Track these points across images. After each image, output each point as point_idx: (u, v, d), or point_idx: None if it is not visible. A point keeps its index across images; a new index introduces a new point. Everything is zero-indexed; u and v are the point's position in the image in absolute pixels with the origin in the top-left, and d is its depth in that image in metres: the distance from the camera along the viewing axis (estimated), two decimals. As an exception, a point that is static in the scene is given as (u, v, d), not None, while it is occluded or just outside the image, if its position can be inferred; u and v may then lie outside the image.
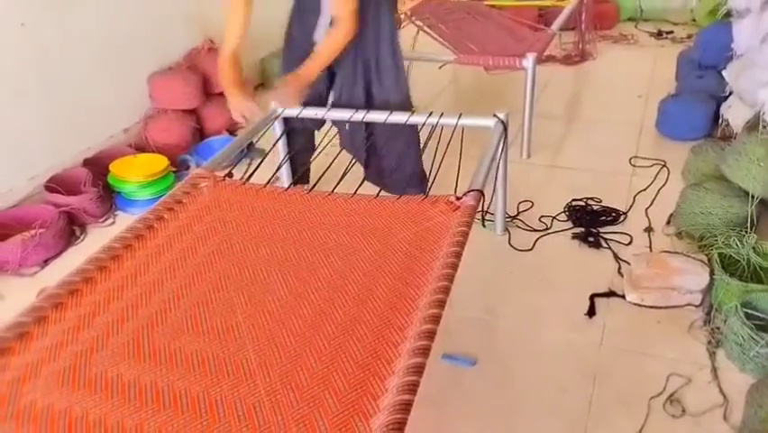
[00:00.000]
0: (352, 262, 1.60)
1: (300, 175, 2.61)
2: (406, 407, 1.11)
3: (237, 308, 1.45)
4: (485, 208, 2.59)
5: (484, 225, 2.61)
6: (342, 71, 2.35)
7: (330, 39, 2.19)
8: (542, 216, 2.69)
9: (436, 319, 1.31)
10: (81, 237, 2.74)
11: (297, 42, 2.37)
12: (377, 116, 2.33)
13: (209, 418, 1.16)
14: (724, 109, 3.10)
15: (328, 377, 1.24)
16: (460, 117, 2.24)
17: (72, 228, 2.75)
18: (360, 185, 1.95)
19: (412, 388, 1.15)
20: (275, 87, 2.34)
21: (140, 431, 1.14)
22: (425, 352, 1.23)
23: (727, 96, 3.10)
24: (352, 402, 1.18)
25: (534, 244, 2.53)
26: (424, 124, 2.30)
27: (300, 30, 2.34)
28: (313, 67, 2.22)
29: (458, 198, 1.78)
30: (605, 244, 2.50)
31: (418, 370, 1.19)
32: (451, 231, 1.63)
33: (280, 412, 1.17)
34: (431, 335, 1.27)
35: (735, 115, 2.94)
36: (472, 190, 1.80)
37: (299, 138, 2.58)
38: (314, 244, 1.69)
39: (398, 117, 2.32)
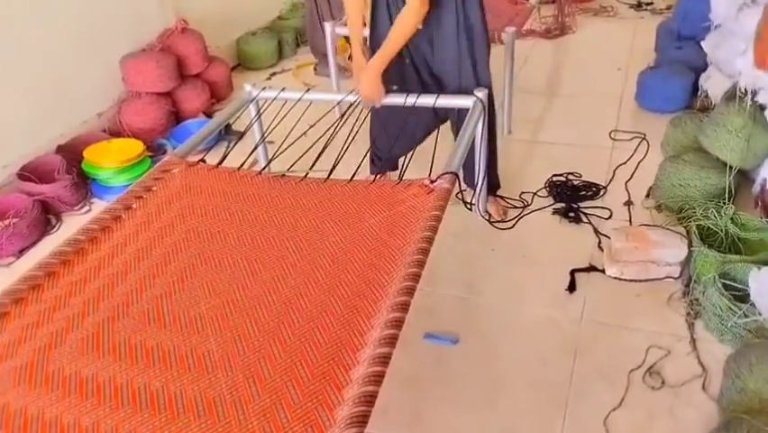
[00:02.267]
0: (322, 247, 1.57)
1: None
2: (370, 398, 1.09)
3: (201, 300, 1.42)
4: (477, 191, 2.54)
5: (469, 208, 2.58)
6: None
7: (399, 19, 2.08)
8: (522, 193, 2.69)
9: (405, 307, 1.28)
10: (57, 226, 2.69)
11: (383, 24, 2.27)
12: (357, 99, 2.29)
13: (168, 414, 1.14)
14: (703, 80, 3.10)
15: (292, 368, 1.22)
16: (438, 97, 2.21)
17: (47, 217, 2.70)
18: (332, 169, 1.92)
19: (377, 379, 1.13)
20: (358, 76, 2.25)
21: (96, 429, 1.11)
22: (392, 341, 1.20)
23: (706, 67, 3.09)
24: (316, 393, 1.16)
25: (515, 221, 2.53)
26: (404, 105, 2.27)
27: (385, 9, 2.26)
28: (384, 54, 2.14)
29: (432, 182, 1.74)
30: (585, 219, 2.50)
31: (384, 360, 1.16)
32: (424, 215, 1.60)
33: (241, 406, 1.14)
34: (399, 323, 1.24)
35: (713, 85, 2.94)
36: (447, 173, 1.77)
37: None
38: (283, 230, 1.66)
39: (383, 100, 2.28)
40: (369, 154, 2.61)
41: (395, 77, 2.31)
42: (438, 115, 2.42)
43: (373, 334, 1.26)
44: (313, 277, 1.47)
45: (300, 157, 2.09)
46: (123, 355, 1.27)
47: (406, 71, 2.31)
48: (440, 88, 2.32)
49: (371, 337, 1.26)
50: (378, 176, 2.50)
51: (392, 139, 2.38)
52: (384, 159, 2.57)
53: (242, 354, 1.26)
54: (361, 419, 1.06)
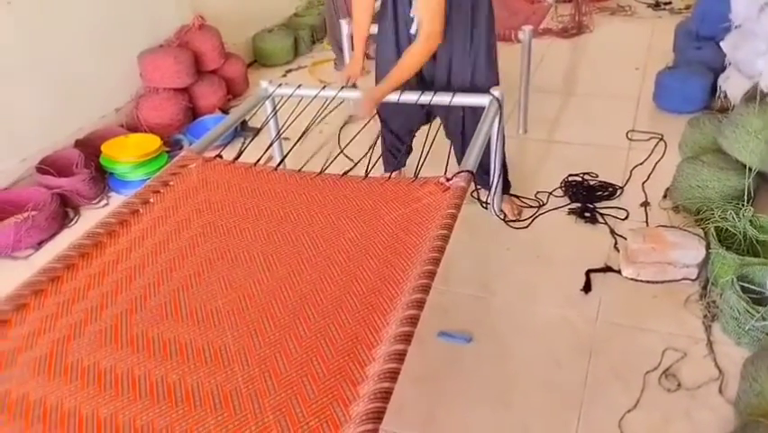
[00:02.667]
0: (338, 244, 1.57)
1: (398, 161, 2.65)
2: (385, 395, 1.09)
3: (218, 294, 1.43)
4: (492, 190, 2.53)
5: (485, 207, 2.58)
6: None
7: (410, 52, 2.11)
8: (538, 192, 2.68)
9: (420, 305, 1.28)
10: (74, 219, 2.72)
11: (389, 37, 2.30)
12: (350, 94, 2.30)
13: (185, 406, 1.15)
14: (722, 81, 3.07)
15: (307, 363, 1.22)
16: (454, 95, 2.21)
17: (65, 210, 2.73)
18: (353, 166, 1.93)
19: (392, 376, 1.13)
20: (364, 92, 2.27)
21: (114, 421, 1.12)
22: (408, 339, 1.20)
23: (725, 68, 3.06)
24: (331, 389, 1.16)
25: (530, 221, 2.52)
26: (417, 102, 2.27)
27: (393, 22, 2.27)
28: (392, 81, 2.15)
29: (448, 180, 1.74)
30: (601, 220, 2.49)
31: (399, 357, 1.16)
32: (439, 213, 1.60)
33: (257, 399, 1.15)
34: (414, 321, 1.24)
35: (732, 86, 2.91)
36: (463, 171, 1.77)
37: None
38: (299, 226, 1.66)
39: (397, 96, 2.28)
40: (382, 153, 2.62)
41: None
42: (428, 113, 2.46)
43: (388, 330, 1.27)
44: (328, 273, 1.48)
45: (315, 154, 2.10)
46: (141, 348, 1.29)
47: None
48: (438, 87, 2.33)
49: (387, 334, 1.26)
50: (392, 174, 2.53)
51: (395, 134, 2.45)
52: (399, 154, 2.61)
53: (258, 349, 1.27)
54: (377, 416, 1.06)
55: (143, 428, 1.11)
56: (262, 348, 1.27)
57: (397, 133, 2.57)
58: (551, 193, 2.67)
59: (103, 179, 2.90)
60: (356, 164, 1.97)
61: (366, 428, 1.04)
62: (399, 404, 1.77)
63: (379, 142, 2.56)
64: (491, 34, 2.24)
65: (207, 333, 1.32)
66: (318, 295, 1.41)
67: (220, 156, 2.05)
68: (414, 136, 2.62)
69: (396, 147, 2.61)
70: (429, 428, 1.72)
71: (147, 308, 1.40)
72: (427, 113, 2.46)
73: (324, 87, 2.43)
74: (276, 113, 2.41)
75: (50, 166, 2.76)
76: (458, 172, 1.76)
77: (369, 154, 1.96)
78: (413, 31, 2.18)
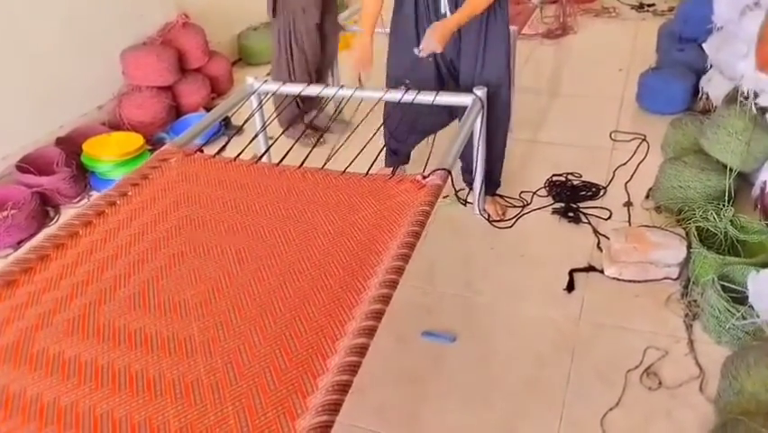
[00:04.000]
0: (311, 238, 1.58)
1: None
2: (343, 387, 1.11)
3: (186, 286, 1.44)
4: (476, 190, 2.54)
5: (464, 204, 2.60)
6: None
7: None
8: (522, 192, 2.69)
9: (386, 300, 1.30)
10: (55, 218, 2.69)
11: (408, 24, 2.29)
12: (354, 92, 2.29)
13: (146, 395, 1.16)
14: (704, 82, 3.10)
15: (271, 355, 1.23)
16: (437, 94, 2.21)
17: (46, 209, 2.69)
18: (328, 159, 1.92)
19: (352, 368, 1.14)
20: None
21: (75, 409, 1.13)
22: (371, 332, 1.22)
23: (707, 70, 3.09)
24: (292, 381, 1.17)
25: (514, 221, 2.53)
26: (400, 101, 2.27)
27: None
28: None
29: (424, 177, 1.75)
30: (584, 219, 2.50)
31: (361, 350, 1.18)
32: (413, 210, 1.61)
33: (218, 390, 1.16)
34: (378, 315, 1.26)
35: (714, 88, 2.94)
36: (440, 169, 1.77)
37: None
38: (275, 219, 1.67)
39: (373, 94, 2.28)
40: (384, 147, 2.60)
41: (410, 72, 2.32)
42: (452, 112, 2.45)
43: (353, 324, 1.28)
44: (299, 267, 1.48)
45: (293, 145, 2.07)
46: (107, 338, 1.30)
47: (423, 66, 2.31)
48: (457, 83, 2.33)
49: (351, 328, 1.27)
50: (395, 169, 2.54)
51: (406, 132, 2.43)
52: (398, 151, 2.61)
53: (223, 341, 1.28)
54: (333, 408, 1.07)
55: (103, 417, 1.12)
56: (227, 340, 1.28)
57: (408, 132, 2.55)
58: (535, 193, 2.69)
59: (84, 178, 2.87)
60: (329, 158, 1.96)
61: (321, 419, 1.05)
62: (382, 403, 1.77)
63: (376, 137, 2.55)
64: (506, 29, 2.26)
65: (173, 324, 1.33)
66: (287, 288, 1.41)
67: (201, 150, 2.04)
68: (425, 137, 2.61)
69: (402, 145, 2.61)
70: (412, 428, 1.72)
71: (116, 299, 1.40)
72: (450, 114, 2.46)
73: (308, 84, 2.42)
74: (261, 107, 2.40)
75: (30, 164, 2.72)
76: (434, 170, 1.77)
77: (357, 151, 1.95)
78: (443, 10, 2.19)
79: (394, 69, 2.38)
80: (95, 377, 1.20)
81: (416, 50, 2.21)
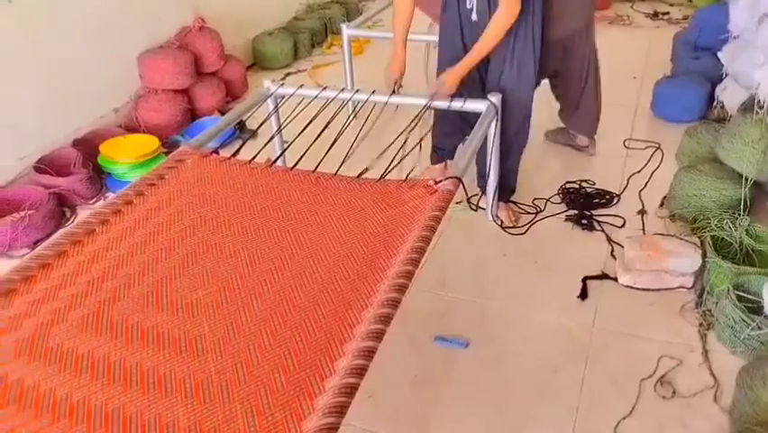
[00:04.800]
0: (322, 241, 1.59)
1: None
2: (350, 390, 1.11)
3: (199, 286, 1.46)
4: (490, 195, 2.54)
5: (474, 209, 2.60)
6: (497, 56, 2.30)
7: (493, 22, 2.11)
8: (535, 199, 2.68)
9: (395, 304, 1.31)
10: (71, 219, 2.71)
11: (452, 20, 2.31)
12: (369, 96, 2.31)
13: (156, 393, 1.17)
14: (719, 91, 3.08)
15: (280, 356, 1.24)
16: (452, 100, 2.22)
17: (62, 210, 2.72)
18: (341, 164, 1.93)
19: (359, 371, 1.15)
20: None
21: (87, 404, 1.15)
22: (379, 336, 1.23)
23: (723, 78, 3.08)
24: (300, 382, 1.18)
25: (528, 227, 2.53)
26: (422, 106, 2.28)
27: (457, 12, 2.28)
28: (474, 55, 2.16)
29: (436, 183, 1.76)
30: (598, 227, 2.49)
31: (368, 353, 1.19)
32: (424, 215, 1.62)
33: (227, 390, 1.18)
34: (387, 319, 1.27)
35: (730, 96, 2.93)
36: (452, 176, 1.78)
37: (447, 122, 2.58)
38: (287, 222, 1.69)
39: (380, 98, 2.30)
40: (431, 147, 2.69)
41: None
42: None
43: (362, 328, 1.29)
44: (310, 270, 1.49)
45: (307, 149, 2.08)
46: (119, 335, 1.32)
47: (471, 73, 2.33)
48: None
49: (360, 331, 1.28)
50: (445, 164, 2.64)
51: (447, 133, 2.53)
52: (443, 149, 2.66)
53: (233, 341, 1.29)
54: (339, 410, 1.08)
55: (114, 412, 1.13)
56: (237, 340, 1.29)
57: (449, 132, 2.59)
58: (548, 200, 2.68)
59: (100, 180, 2.89)
60: (343, 162, 1.97)
61: (327, 421, 1.06)
62: (395, 408, 1.77)
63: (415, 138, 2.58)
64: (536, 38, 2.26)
65: (185, 323, 1.34)
66: (298, 291, 1.43)
67: (216, 152, 2.06)
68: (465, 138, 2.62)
69: (446, 142, 2.64)
70: (424, 432, 1.72)
71: (129, 297, 1.42)
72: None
73: (324, 89, 2.44)
74: (277, 110, 2.42)
75: (47, 165, 2.76)
76: (446, 177, 1.77)
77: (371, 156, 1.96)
78: (474, 18, 2.21)
79: (443, 60, 2.38)
80: (107, 373, 1.22)
81: (426, 100, 2.27)
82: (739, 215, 2.22)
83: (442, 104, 2.27)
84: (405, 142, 2.07)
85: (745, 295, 1.91)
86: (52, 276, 1.49)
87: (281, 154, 2.22)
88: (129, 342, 1.30)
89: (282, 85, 2.43)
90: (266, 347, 1.27)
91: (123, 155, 2.87)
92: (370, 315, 1.31)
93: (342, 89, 2.41)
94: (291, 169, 1.95)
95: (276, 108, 2.41)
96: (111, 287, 1.45)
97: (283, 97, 2.43)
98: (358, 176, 1.88)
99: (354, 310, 1.35)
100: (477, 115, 2.23)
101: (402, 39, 2.35)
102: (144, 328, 1.33)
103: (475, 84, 2.36)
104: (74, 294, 1.43)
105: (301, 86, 2.43)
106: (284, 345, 1.27)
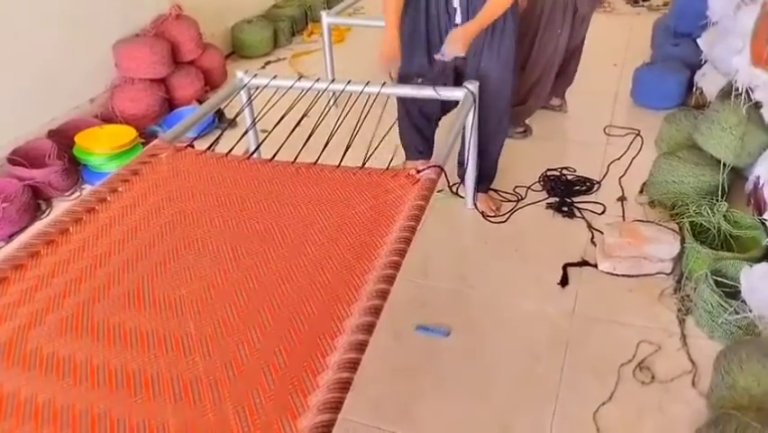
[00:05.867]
0: (306, 234, 1.57)
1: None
2: (344, 385, 1.09)
3: (182, 283, 1.42)
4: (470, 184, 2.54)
5: (461, 196, 2.60)
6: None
7: None
8: (516, 187, 2.68)
9: (383, 295, 1.29)
10: (47, 211, 2.67)
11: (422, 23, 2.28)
12: (345, 86, 2.29)
13: (144, 395, 1.14)
14: (698, 77, 3.10)
15: (270, 353, 1.21)
16: (429, 89, 2.21)
17: (37, 202, 2.67)
18: (320, 154, 1.91)
19: (352, 365, 1.13)
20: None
21: (71, 410, 1.11)
22: (369, 329, 1.21)
23: (702, 65, 3.09)
24: (292, 379, 1.16)
25: (509, 215, 2.53)
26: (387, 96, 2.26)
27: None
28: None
29: (418, 172, 1.75)
30: (578, 214, 2.50)
31: (360, 347, 1.17)
32: (408, 204, 1.60)
33: (217, 389, 1.14)
34: (377, 311, 1.25)
35: (709, 83, 2.95)
36: (433, 165, 1.77)
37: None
38: (269, 215, 1.65)
39: (371, 89, 2.27)
40: (401, 139, 2.63)
41: (426, 70, 2.32)
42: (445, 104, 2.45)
43: (351, 321, 1.27)
44: (296, 263, 1.47)
45: (286, 140, 2.06)
46: (101, 336, 1.28)
47: (439, 64, 2.29)
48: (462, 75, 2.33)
49: (349, 324, 1.26)
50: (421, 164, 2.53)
51: (418, 118, 2.48)
52: (417, 148, 2.60)
53: (221, 339, 1.26)
54: (335, 406, 1.06)
55: (100, 417, 1.10)
56: (225, 338, 1.26)
57: (418, 117, 2.53)
58: (529, 188, 2.69)
59: (76, 171, 2.84)
60: (322, 151, 1.95)
61: (323, 417, 1.04)
62: (377, 397, 1.77)
63: (396, 127, 2.54)
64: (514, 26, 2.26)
65: (170, 322, 1.31)
66: (284, 285, 1.40)
67: (191, 146, 2.02)
68: (437, 124, 2.59)
69: (419, 133, 2.59)
70: (406, 421, 1.72)
71: (110, 297, 1.38)
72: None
73: (299, 78, 2.41)
74: (251, 103, 2.38)
75: (21, 157, 2.70)
76: (428, 165, 1.76)
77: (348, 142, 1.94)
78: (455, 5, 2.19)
79: (407, 66, 2.34)
80: (90, 377, 1.18)
81: (438, 55, 2.22)
82: (717, 200, 2.24)
83: (423, 92, 2.25)
84: (389, 131, 2.05)
85: (722, 280, 1.92)
86: (27, 277, 1.44)
87: (258, 146, 2.19)
88: (112, 343, 1.25)
89: (256, 75, 2.39)
90: (255, 344, 1.24)
91: (100, 146, 2.82)
92: (359, 307, 1.29)
93: (318, 79, 2.38)
94: (270, 160, 1.92)
95: (249, 100, 2.38)
96: (90, 287, 1.41)
97: (257, 88, 2.39)
98: (340, 162, 1.86)
99: (343, 303, 1.33)
100: (443, 110, 2.21)
101: (395, 23, 2.29)
102: (127, 329, 1.29)
103: (448, 72, 2.34)
104: (51, 295, 1.38)
105: (274, 76, 2.39)
106: (273, 342, 1.24)
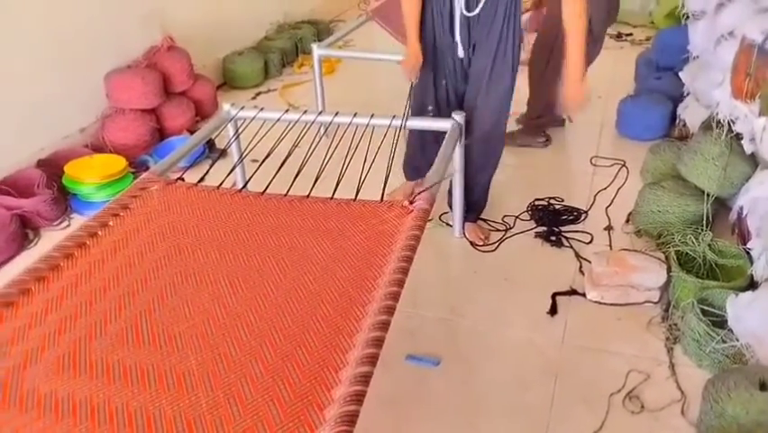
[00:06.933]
0: (304, 266, 1.56)
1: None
2: (351, 418, 1.08)
3: (181, 318, 1.39)
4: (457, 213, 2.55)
5: (449, 225, 2.61)
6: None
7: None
8: (505, 216, 2.71)
9: (385, 327, 1.28)
10: (35, 241, 2.65)
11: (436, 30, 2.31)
12: (333, 118, 2.32)
13: None
14: (681, 110, 3.17)
15: (274, 387, 1.20)
16: (409, 120, 2.27)
17: (25, 232, 2.65)
18: (312, 186, 1.93)
19: (358, 398, 1.12)
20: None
21: None
22: (373, 361, 1.20)
23: (684, 97, 3.17)
24: (298, 413, 1.14)
25: (497, 245, 2.54)
26: (389, 127, 2.29)
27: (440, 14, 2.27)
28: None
29: (411, 202, 1.77)
30: (566, 243, 2.52)
31: (365, 379, 1.16)
32: (403, 234, 1.61)
33: (222, 426, 1.12)
34: (379, 342, 1.24)
35: (691, 115, 3.01)
36: (424, 191, 1.78)
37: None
38: (265, 248, 1.64)
39: (360, 120, 2.30)
40: (402, 164, 2.70)
41: (431, 99, 2.38)
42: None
43: (354, 353, 1.26)
44: (295, 295, 1.46)
45: (277, 172, 2.07)
46: (100, 374, 1.24)
47: (442, 92, 2.36)
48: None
49: (353, 356, 1.25)
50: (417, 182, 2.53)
51: (424, 152, 2.51)
52: (415, 168, 2.64)
53: (223, 374, 1.24)
54: None
55: None
56: (227, 373, 1.24)
57: (431, 143, 2.51)
58: (517, 217, 2.71)
59: (65, 201, 2.84)
60: (314, 184, 1.97)
61: None
62: (365, 427, 1.74)
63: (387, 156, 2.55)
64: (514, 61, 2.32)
65: (170, 358, 1.28)
66: (284, 318, 1.39)
67: (182, 179, 2.01)
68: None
69: (424, 156, 2.57)
70: (396, 452, 1.70)
71: (107, 334, 1.35)
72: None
73: (287, 111, 2.43)
74: (238, 136, 2.40)
75: (10, 186, 2.68)
76: (419, 192, 1.78)
77: (341, 173, 1.96)
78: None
79: (421, 94, 2.41)
80: (91, 416, 1.14)
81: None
82: (702, 230, 2.27)
83: (411, 123, 2.29)
84: (374, 160, 2.07)
85: (709, 309, 1.94)
86: (19, 314, 1.40)
87: (249, 180, 2.20)
88: (111, 381, 1.22)
89: (243, 108, 2.42)
90: (258, 379, 1.22)
91: (89, 175, 2.81)
92: (361, 339, 1.28)
93: (305, 111, 2.41)
94: (262, 193, 1.92)
95: (237, 134, 2.39)
96: (85, 323, 1.37)
97: (245, 121, 2.41)
98: (333, 193, 1.87)
99: (345, 335, 1.32)
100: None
101: (417, 35, 2.33)
102: (127, 366, 1.25)
103: (451, 98, 2.39)
104: (45, 333, 1.34)
105: (261, 109, 2.42)
106: (277, 376, 1.22)
